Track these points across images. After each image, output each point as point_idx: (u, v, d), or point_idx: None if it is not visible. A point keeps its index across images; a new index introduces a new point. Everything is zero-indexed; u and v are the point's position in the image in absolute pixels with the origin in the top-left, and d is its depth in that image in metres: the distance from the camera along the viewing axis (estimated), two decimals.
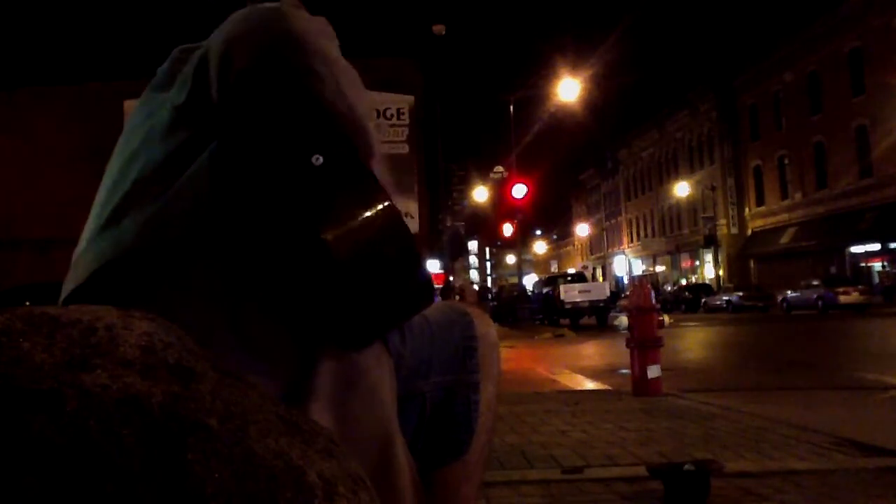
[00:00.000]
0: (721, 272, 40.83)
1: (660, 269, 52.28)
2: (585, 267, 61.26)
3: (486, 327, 1.11)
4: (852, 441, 3.28)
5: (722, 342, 14.11)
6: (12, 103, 18.13)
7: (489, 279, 63.95)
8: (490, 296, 35.11)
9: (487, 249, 77.79)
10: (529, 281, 39.44)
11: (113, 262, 0.82)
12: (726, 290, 33.75)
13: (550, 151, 77.17)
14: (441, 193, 28.27)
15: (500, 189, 31.92)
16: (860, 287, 25.06)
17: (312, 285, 0.82)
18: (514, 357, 10.72)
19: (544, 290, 26.44)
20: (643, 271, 53.92)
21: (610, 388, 6.25)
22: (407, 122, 16.36)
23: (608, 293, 24.69)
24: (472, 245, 78.86)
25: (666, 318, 18.85)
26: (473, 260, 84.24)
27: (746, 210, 40.94)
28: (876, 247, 30.00)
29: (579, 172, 70.22)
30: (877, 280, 29.62)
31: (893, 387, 5.84)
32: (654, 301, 5.68)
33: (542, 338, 16.88)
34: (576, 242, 76.05)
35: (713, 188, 41.54)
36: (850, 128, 31.44)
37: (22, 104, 18.19)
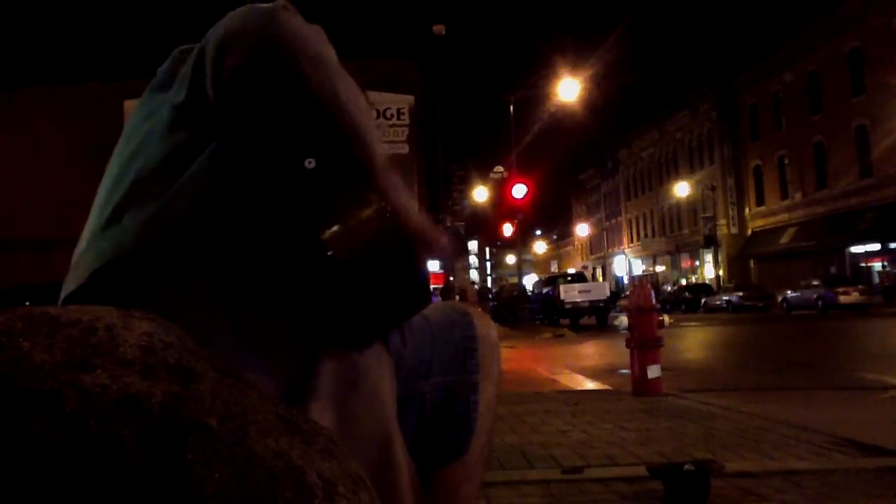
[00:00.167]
0: (721, 272, 40.83)
1: (660, 269, 52.28)
2: (585, 267, 61.27)
3: (487, 328, 1.11)
4: (852, 441, 3.28)
5: (722, 342, 14.11)
6: (12, 103, 18.15)
7: (489, 279, 63.93)
8: (490, 296, 35.12)
9: (487, 249, 77.80)
10: (529, 281, 39.45)
11: (113, 261, 0.82)
12: (726, 290, 33.75)
13: (550, 151, 77.30)
14: (441, 193, 28.27)
15: (500, 189, 31.94)
16: (860, 287, 25.05)
17: (312, 285, 0.82)
18: (514, 357, 10.72)
19: (544, 290, 26.43)
20: (643, 271, 53.93)
21: (610, 388, 6.25)
22: (407, 122, 16.38)
23: (608, 293, 24.69)
24: (472, 245, 78.91)
25: (666, 318, 18.85)
26: (473, 260, 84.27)
27: (746, 210, 40.94)
28: (876, 247, 29.99)
29: (579, 172, 70.24)
30: (877, 280, 29.61)
31: (893, 387, 5.85)
32: (654, 301, 5.68)
33: (542, 338, 16.89)
34: (576, 242, 76.06)
35: (713, 188, 41.54)
36: (850, 128, 31.44)
37: (22, 104, 18.21)
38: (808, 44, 33.95)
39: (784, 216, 36.90)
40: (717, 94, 41.90)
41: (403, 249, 0.84)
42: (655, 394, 5.19)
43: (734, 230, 41.52)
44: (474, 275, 77.15)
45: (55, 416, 0.54)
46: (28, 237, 16.75)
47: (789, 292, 27.54)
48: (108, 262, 0.82)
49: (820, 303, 24.91)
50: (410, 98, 16.55)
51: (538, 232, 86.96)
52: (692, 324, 21.14)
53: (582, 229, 69.89)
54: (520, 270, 33.36)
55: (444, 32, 22.20)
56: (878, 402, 5.21)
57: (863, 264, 31.21)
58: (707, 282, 41.54)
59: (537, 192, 46.65)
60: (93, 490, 0.52)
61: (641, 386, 5.28)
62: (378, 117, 15.04)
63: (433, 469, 1.03)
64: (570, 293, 23.44)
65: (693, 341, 14.05)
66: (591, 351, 12.65)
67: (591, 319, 23.35)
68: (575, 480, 2.80)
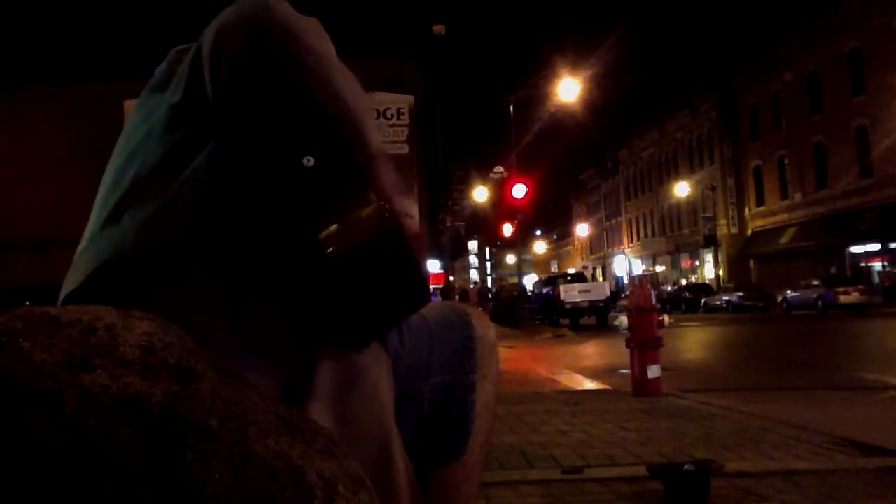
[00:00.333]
0: (721, 272, 40.82)
1: (660, 269, 52.27)
2: (585, 267, 61.24)
3: (486, 328, 1.11)
4: (852, 441, 3.28)
5: (722, 342, 14.11)
6: (12, 103, 18.13)
7: (489, 279, 63.88)
8: (490, 296, 35.12)
9: (487, 249, 77.73)
10: (529, 281, 39.44)
11: (112, 261, 0.82)
12: (726, 290, 33.73)
13: (550, 151, 77.37)
14: (441, 193, 28.26)
15: (500, 189, 31.95)
16: (860, 287, 25.04)
17: (310, 285, 0.82)
18: (514, 357, 10.72)
19: (544, 291, 26.43)
20: (643, 271, 53.92)
21: (610, 388, 6.25)
22: (407, 122, 16.36)
23: (608, 293, 24.70)
24: (472, 245, 78.91)
25: (666, 319, 18.85)
26: (473, 260, 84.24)
27: (746, 210, 40.94)
28: (876, 247, 29.99)
29: (579, 172, 70.25)
30: (877, 280, 29.61)
31: (893, 387, 5.85)
32: (654, 301, 5.68)
33: (542, 338, 16.89)
34: (576, 242, 76.04)
35: (713, 188, 41.54)
36: (850, 128, 31.44)
37: (22, 104, 18.19)
38: (808, 44, 33.94)
39: (784, 216, 36.89)
40: (717, 94, 41.89)
41: (402, 248, 0.84)
42: (655, 394, 5.19)
43: (734, 230, 41.51)
44: (474, 275, 77.14)
45: (55, 416, 0.54)
46: (28, 237, 16.72)
47: (789, 292, 27.54)
48: (108, 262, 0.82)
49: (820, 303, 24.91)
50: (410, 98, 16.53)
51: (538, 232, 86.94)
52: (692, 324, 21.13)
53: (582, 229, 69.87)
54: (520, 270, 33.36)
55: (444, 32, 22.20)
56: (878, 402, 5.21)
57: (863, 264, 31.21)
58: (707, 282, 41.53)
59: (537, 192, 46.68)
60: (93, 490, 0.52)
61: (641, 386, 5.28)
62: (378, 117, 15.04)
63: (432, 469, 1.03)
64: (570, 293, 23.44)
65: (693, 341, 14.05)
66: (591, 351, 12.65)
67: (591, 319, 23.35)
68: (575, 480, 2.80)
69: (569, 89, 24.01)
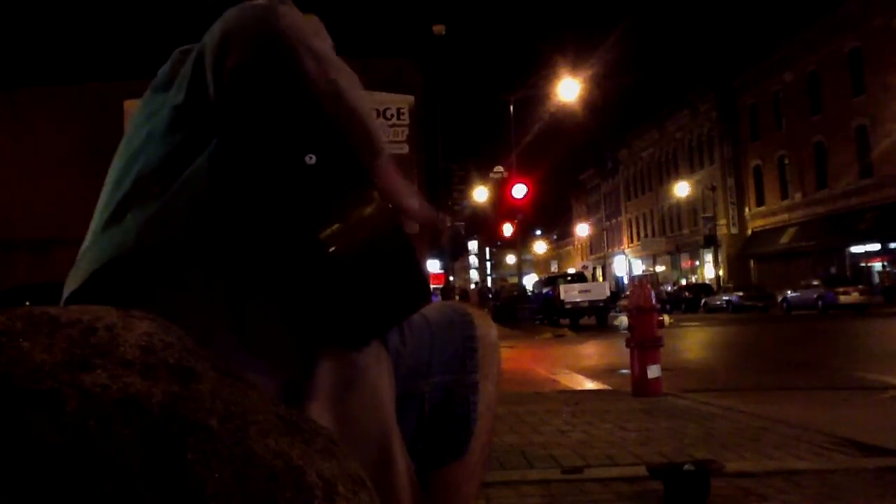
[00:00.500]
0: (721, 272, 40.82)
1: (660, 269, 52.28)
2: (585, 267, 61.28)
3: (487, 328, 1.11)
4: (852, 441, 3.28)
5: (722, 342, 14.11)
6: (12, 103, 18.13)
7: (489, 279, 63.85)
8: (490, 295, 35.13)
9: (487, 249, 77.71)
10: (529, 281, 39.43)
11: (113, 261, 0.82)
12: (726, 290, 33.74)
13: (550, 151, 77.30)
14: (441, 193, 28.23)
15: (500, 189, 31.93)
16: (860, 287, 25.05)
17: (311, 284, 0.82)
18: (514, 357, 10.72)
19: (544, 290, 26.44)
20: (643, 271, 53.91)
21: (610, 388, 6.25)
22: (407, 122, 16.36)
23: (608, 293, 24.72)
24: (472, 245, 78.84)
25: (666, 319, 18.86)
26: (473, 260, 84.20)
27: (746, 210, 40.94)
28: (876, 247, 29.99)
29: (579, 172, 70.25)
30: (877, 280, 29.62)
31: (893, 387, 5.84)
32: (654, 301, 5.68)
33: (542, 338, 16.89)
34: (576, 242, 76.05)
35: (713, 188, 41.54)
36: (850, 128, 31.44)
37: (22, 104, 18.19)
38: (808, 44, 33.94)
39: (784, 216, 36.90)
40: (717, 94, 41.89)
41: (403, 247, 0.84)
42: (655, 394, 5.19)
43: (734, 230, 41.51)
44: (474, 275, 77.14)
45: (55, 416, 0.54)
46: (28, 237, 16.72)
47: (789, 292, 27.54)
48: (109, 262, 0.82)
49: (820, 303, 24.91)
50: (410, 98, 16.54)
51: (538, 232, 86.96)
52: (692, 324, 21.14)
53: (582, 229, 69.88)
54: (520, 270, 33.32)
55: (444, 32, 22.20)
56: (878, 402, 5.21)
57: (863, 264, 31.22)
58: (707, 282, 41.54)
59: (537, 192, 46.54)
60: (93, 490, 0.52)
61: (641, 386, 5.28)
62: (378, 117, 15.04)
63: (433, 469, 1.02)
64: (570, 293, 23.45)
65: (693, 341, 14.05)
66: (591, 351, 12.65)
67: (591, 319, 23.36)
68: (575, 480, 2.80)
69: (569, 89, 24.01)
